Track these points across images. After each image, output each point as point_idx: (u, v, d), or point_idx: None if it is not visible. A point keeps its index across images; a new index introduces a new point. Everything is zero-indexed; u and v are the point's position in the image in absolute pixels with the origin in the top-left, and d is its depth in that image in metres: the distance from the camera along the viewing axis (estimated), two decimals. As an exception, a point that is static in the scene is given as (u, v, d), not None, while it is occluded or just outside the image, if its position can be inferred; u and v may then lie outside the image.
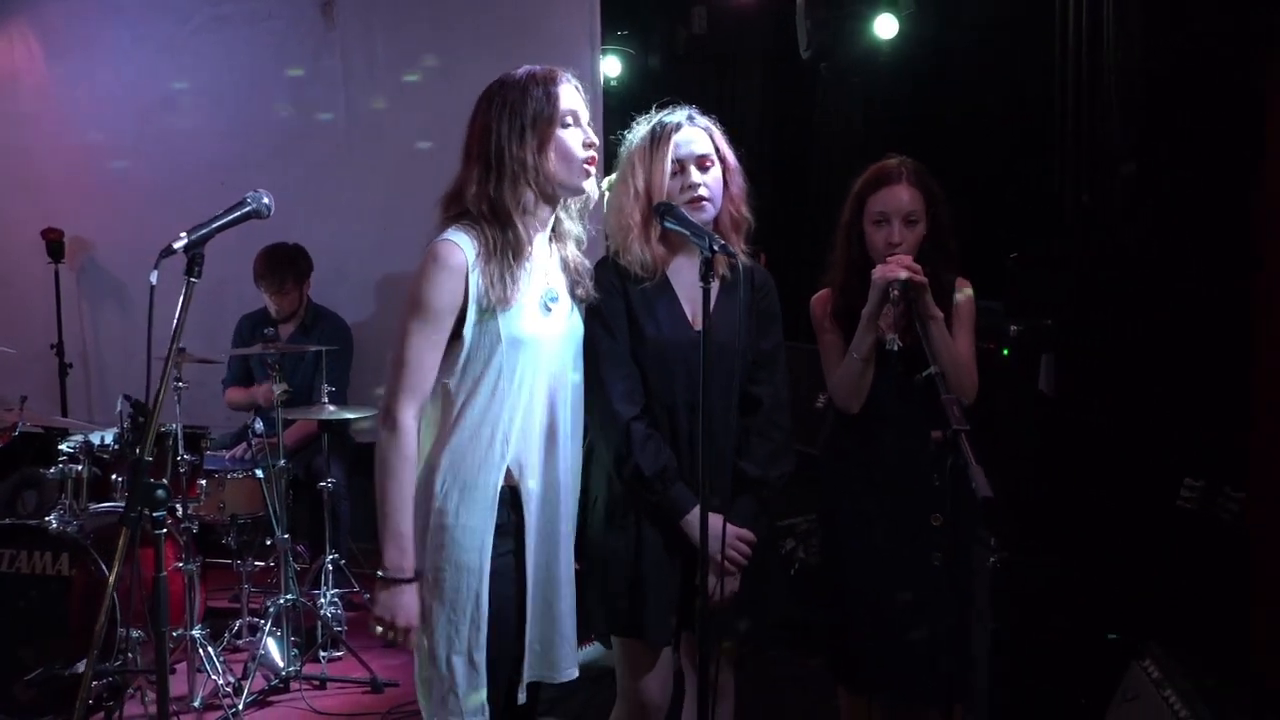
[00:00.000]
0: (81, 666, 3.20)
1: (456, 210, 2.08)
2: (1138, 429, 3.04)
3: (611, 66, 5.34)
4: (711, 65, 5.56)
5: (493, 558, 2.03)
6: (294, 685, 3.64)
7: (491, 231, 2.04)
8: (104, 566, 3.34)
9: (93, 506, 3.56)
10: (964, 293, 2.50)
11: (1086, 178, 3.33)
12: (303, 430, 4.35)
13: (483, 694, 2.02)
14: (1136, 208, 3.12)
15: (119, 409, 3.63)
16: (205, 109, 5.06)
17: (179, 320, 1.88)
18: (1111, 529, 3.06)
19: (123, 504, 3.59)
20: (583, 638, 2.27)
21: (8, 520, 3.52)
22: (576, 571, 2.21)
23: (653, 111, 2.34)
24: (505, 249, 2.03)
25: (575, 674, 2.18)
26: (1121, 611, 2.93)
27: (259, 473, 3.76)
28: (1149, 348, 3.04)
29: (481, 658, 2.01)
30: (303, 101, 4.97)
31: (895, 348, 2.30)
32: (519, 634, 2.08)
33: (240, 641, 3.84)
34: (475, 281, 2.01)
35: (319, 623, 3.86)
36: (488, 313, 2.02)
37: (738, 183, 2.32)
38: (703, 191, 2.23)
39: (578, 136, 2.10)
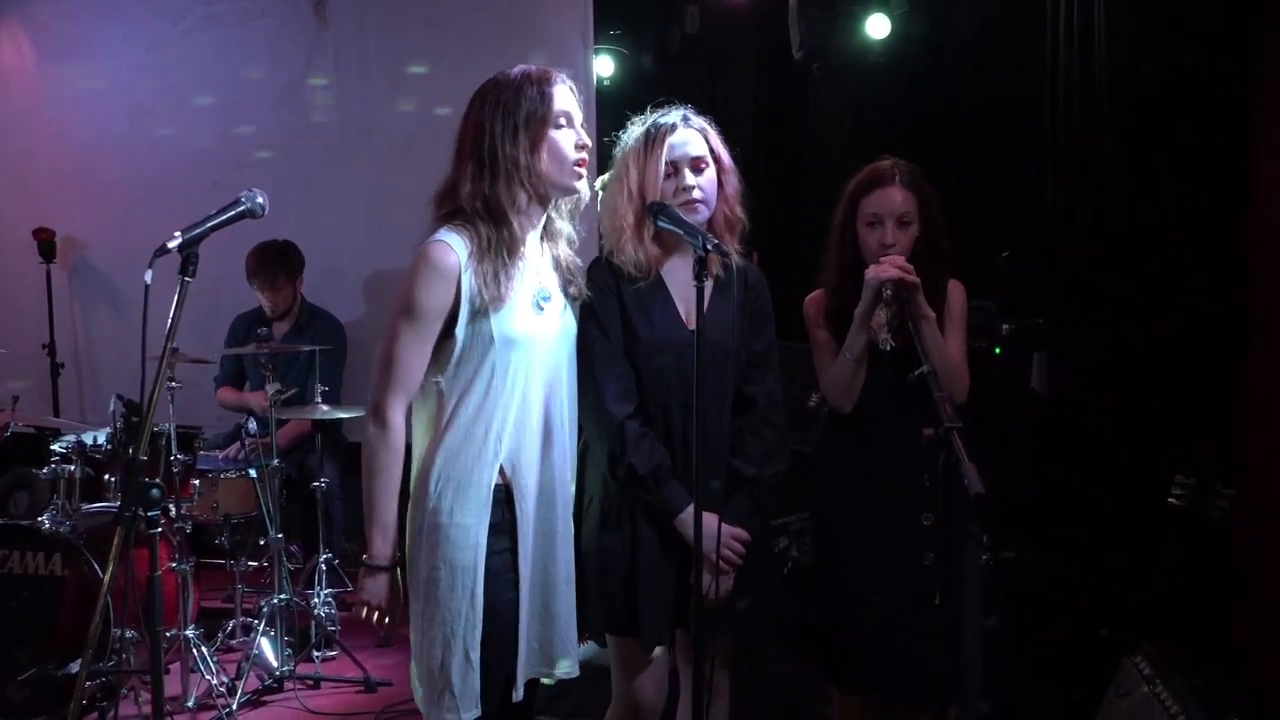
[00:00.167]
0: (74, 667, 3.20)
1: (450, 208, 2.09)
2: (1129, 427, 3.05)
3: (604, 66, 5.34)
4: (704, 65, 5.57)
5: (487, 556, 2.03)
6: (288, 685, 3.64)
7: (486, 230, 2.04)
8: (97, 567, 3.34)
9: (85, 507, 3.55)
10: (956, 293, 2.51)
11: (1078, 177, 3.35)
12: (296, 430, 4.34)
13: (476, 692, 2.02)
14: (1128, 207, 3.14)
15: (112, 409, 3.63)
16: (197, 109, 5.04)
17: (173, 319, 1.88)
18: (1103, 526, 3.08)
19: (116, 504, 3.58)
20: (578, 637, 2.27)
21: (0, 521, 3.52)
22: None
23: (648, 112, 2.34)
24: (499, 247, 2.04)
25: (576, 672, 2.18)
26: (1113, 608, 2.94)
27: (252, 472, 3.76)
28: (1141, 346, 3.05)
29: (477, 656, 2.02)
30: (295, 101, 4.96)
31: (888, 348, 2.32)
32: (516, 632, 2.08)
33: (234, 641, 3.84)
34: (468, 281, 2.02)
35: (312, 622, 3.85)
36: (480, 312, 2.03)
37: (732, 183, 2.32)
38: (696, 194, 2.23)
39: (570, 138, 2.11)
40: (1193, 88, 2.91)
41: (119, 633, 3.31)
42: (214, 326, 4.54)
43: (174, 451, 3.56)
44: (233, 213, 1.99)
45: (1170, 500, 2.80)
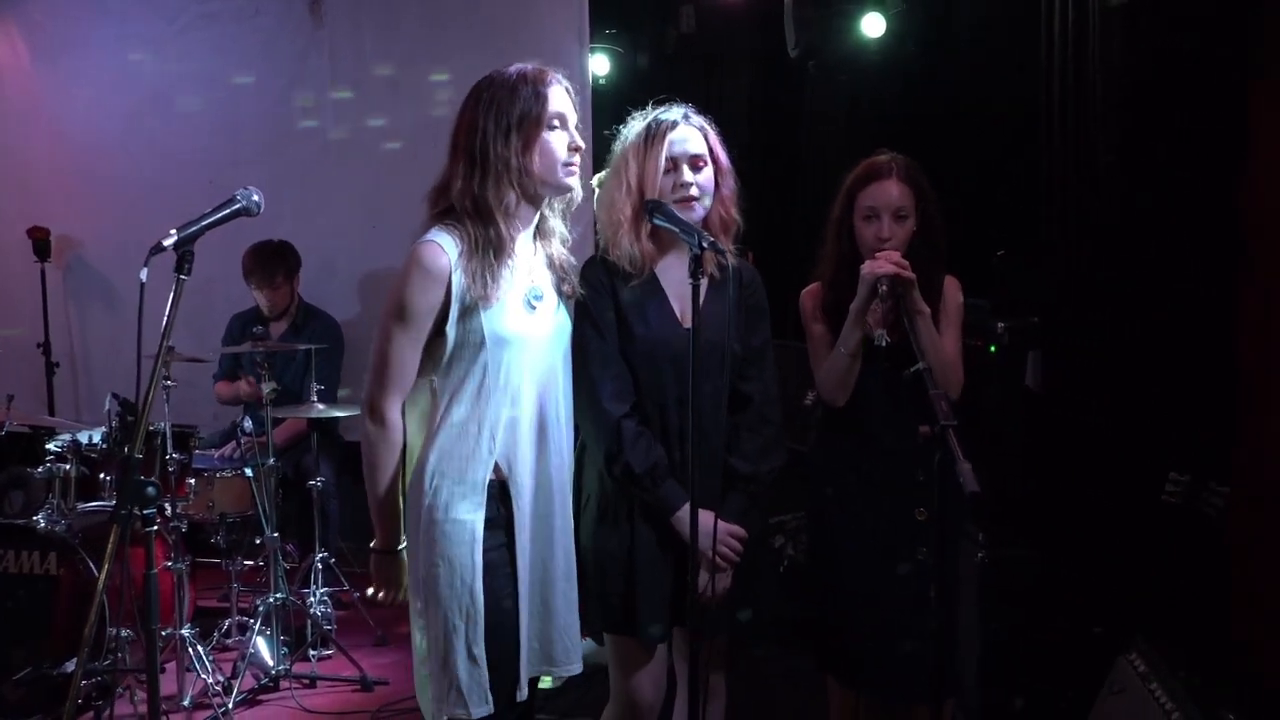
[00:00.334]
0: (70, 666, 3.19)
1: (443, 205, 2.09)
2: (1124, 425, 3.06)
3: (600, 65, 5.34)
4: (700, 64, 5.57)
5: (484, 551, 2.04)
6: (284, 684, 3.63)
7: (474, 229, 2.04)
8: (92, 566, 3.34)
9: (80, 506, 3.55)
10: (952, 290, 2.51)
11: (1073, 176, 3.35)
12: (292, 429, 4.34)
13: (485, 688, 2.02)
14: (1123, 206, 3.14)
15: (107, 408, 3.62)
16: (192, 107, 5.04)
17: (169, 318, 1.88)
18: (1098, 524, 3.08)
19: (111, 503, 3.58)
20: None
21: (-5, 520, 3.53)
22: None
23: (648, 108, 2.34)
24: (487, 246, 2.04)
25: (579, 669, 2.19)
26: (1108, 605, 2.95)
27: (248, 471, 3.76)
28: (1136, 344, 3.06)
29: (480, 652, 2.02)
30: (291, 99, 4.96)
31: (883, 343, 2.32)
32: (517, 629, 2.08)
33: (230, 640, 3.84)
34: (458, 280, 2.02)
35: (308, 621, 3.85)
36: (470, 311, 2.03)
37: (729, 184, 2.33)
38: (694, 191, 2.24)
39: (563, 139, 2.10)
40: (1186, 89, 2.91)
41: (114, 632, 3.31)
42: (208, 325, 4.54)
43: (169, 450, 3.55)
44: (228, 211, 1.99)
45: (1164, 498, 2.80)
